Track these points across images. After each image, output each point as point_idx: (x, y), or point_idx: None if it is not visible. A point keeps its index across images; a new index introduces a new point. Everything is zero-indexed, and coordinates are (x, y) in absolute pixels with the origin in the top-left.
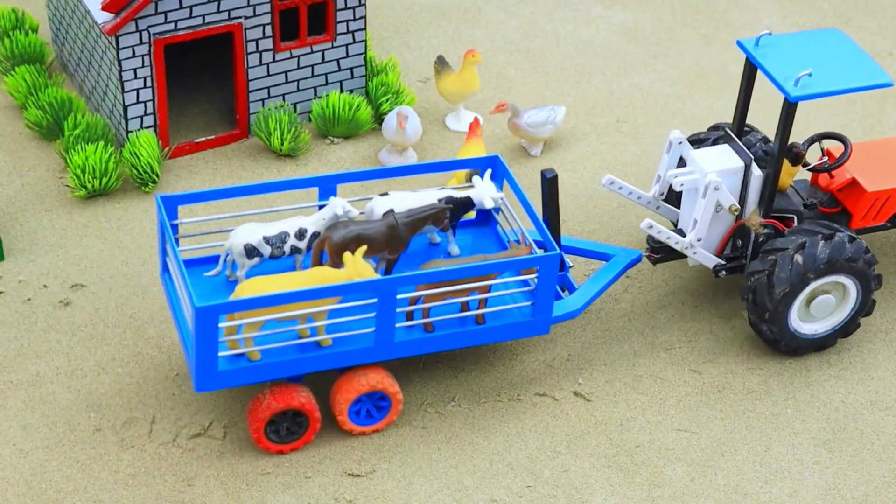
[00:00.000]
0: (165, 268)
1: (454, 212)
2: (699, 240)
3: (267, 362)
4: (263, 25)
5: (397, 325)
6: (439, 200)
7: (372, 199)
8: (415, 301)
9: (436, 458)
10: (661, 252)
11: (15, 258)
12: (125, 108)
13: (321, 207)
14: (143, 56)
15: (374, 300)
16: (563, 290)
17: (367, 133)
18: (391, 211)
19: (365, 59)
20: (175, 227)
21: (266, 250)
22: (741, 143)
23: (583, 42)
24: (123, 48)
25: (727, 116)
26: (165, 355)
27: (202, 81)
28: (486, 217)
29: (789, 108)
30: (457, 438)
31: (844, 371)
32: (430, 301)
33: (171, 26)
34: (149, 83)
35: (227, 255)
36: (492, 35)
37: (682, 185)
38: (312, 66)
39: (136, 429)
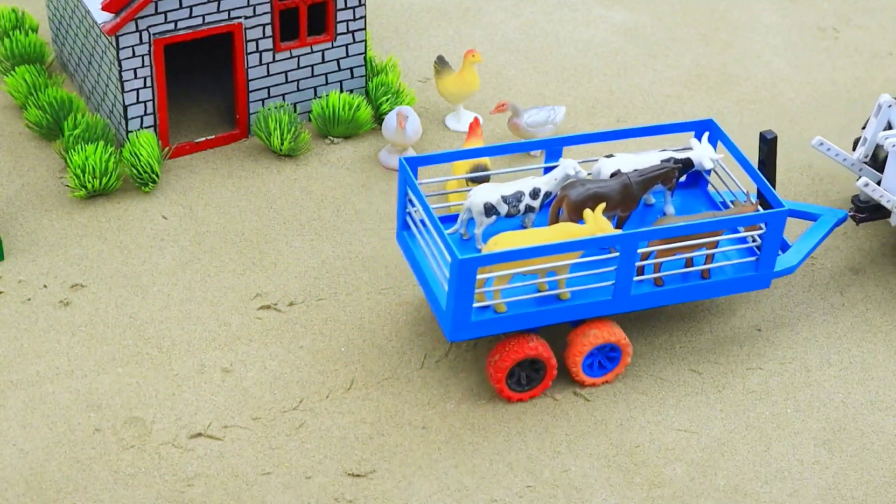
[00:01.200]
0: (405, 226)
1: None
2: None
3: (511, 314)
4: (263, 25)
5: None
6: (661, 162)
7: (598, 160)
8: (646, 256)
9: (436, 458)
10: (865, 212)
11: (15, 258)
12: (125, 108)
13: (547, 170)
14: (143, 56)
15: (617, 254)
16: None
17: (367, 133)
18: (618, 171)
19: (365, 59)
20: (411, 188)
21: (503, 209)
22: None
23: (583, 42)
24: (123, 48)
25: (728, 116)
26: (165, 355)
27: (202, 81)
28: (695, 179)
29: None
30: (457, 438)
31: (844, 371)
32: (663, 256)
33: (171, 26)
34: (149, 83)
35: (466, 213)
36: (492, 35)
37: (894, 145)
38: (312, 66)
39: (136, 429)
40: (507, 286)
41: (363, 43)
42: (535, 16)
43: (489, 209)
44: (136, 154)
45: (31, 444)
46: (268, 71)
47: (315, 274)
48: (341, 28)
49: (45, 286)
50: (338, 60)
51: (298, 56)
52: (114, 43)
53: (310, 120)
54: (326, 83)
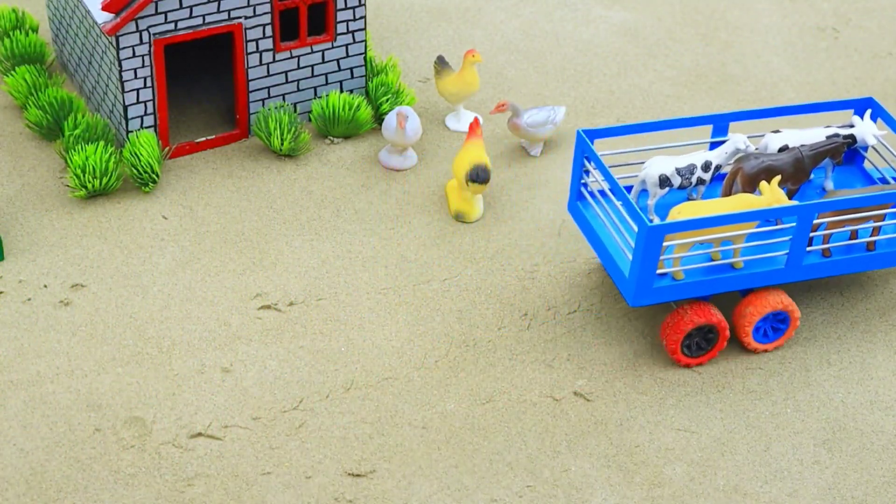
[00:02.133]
0: (580, 197)
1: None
2: None
3: (689, 282)
4: (263, 25)
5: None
6: (826, 138)
7: (764, 135)
8: (815, 228)
9: (436, 458)
10: None
11: (15, 258)
12: (125, 108)
13: (713, 145)
14: (143, 56)
15: (783, 226)
16: None
17: (367, 133)
18: (785, 145)
19: (365, 59)
20: (591, 159)
21: (676, 181)
22: None
23: (583, 42)
24: (123, 48)
25: None
26: (165, 355)
27: (202, 81)
28: (850, 156)
29: None
30: (457, 438)
31: (844, 371)
32: (833, 228)
33: (171, 26)
34: (149, 83)
35: (640, 184)
36: (492, 35)
37: None
38: (312, 66)
39: (136, 429)
40: (686, 254)
41: (363, 43)
42: (535, 16)
43: (663, 181)
44: (136, 154)
45: (31, 443)
46: (268, 71)
47: (315, 274)
48: (341, 28)
49: (45, 286)
50: (338, 60)
51: (298, 56)
52: (114, 43)
53: (310, 120)
54: (326, 83)
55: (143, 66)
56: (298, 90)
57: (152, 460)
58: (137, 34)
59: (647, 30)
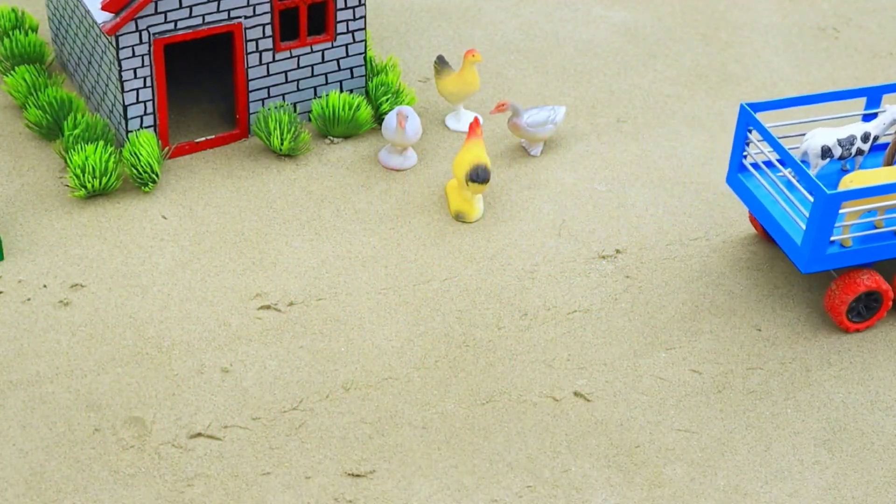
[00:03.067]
0: (741, 168)
1: None
2: None
3: (857, 248)
4: (263, 25)
5: None
6: None
7: None
8: None
9: (436, 458)
10: None
11: (15, 258)
12: (125, 108)
13: (866, 117)
14: (143, 56)
15: None
16: None
17: (367, 133)
18: None
19: (365, 59)
20: (754, 132)
21: (837, 152)
22: None
23: (583, 42)
24: (123, 48)
25: (728, 116)
26: (165, 355)
27: (202, 81)
28: None
29: None
30: (457, 438)
31: (844, 371)
32: None
33: (171, 26)
34: (149, 83)
35: (802, 156)
36: (492, 35)
37: None
38: (312, 66)
39: (136, 429)
40: (855, 222)
41: (363, 43)
42: (535, 16)
43: (825, 151)
44: (135, 154)
45: (30, 444)
46: (268, 71)
47: (315, 274)
48: (341, 28)
49: (44, 286)
50: (338, 60)
51: (298, 56)
52: (114, 43)
53: (310, 120)
54: (326, 83)
55: (143, 66)
56: (298, 90)
57: (152, 460)
58: (137, 34)
59: (647, 30)
